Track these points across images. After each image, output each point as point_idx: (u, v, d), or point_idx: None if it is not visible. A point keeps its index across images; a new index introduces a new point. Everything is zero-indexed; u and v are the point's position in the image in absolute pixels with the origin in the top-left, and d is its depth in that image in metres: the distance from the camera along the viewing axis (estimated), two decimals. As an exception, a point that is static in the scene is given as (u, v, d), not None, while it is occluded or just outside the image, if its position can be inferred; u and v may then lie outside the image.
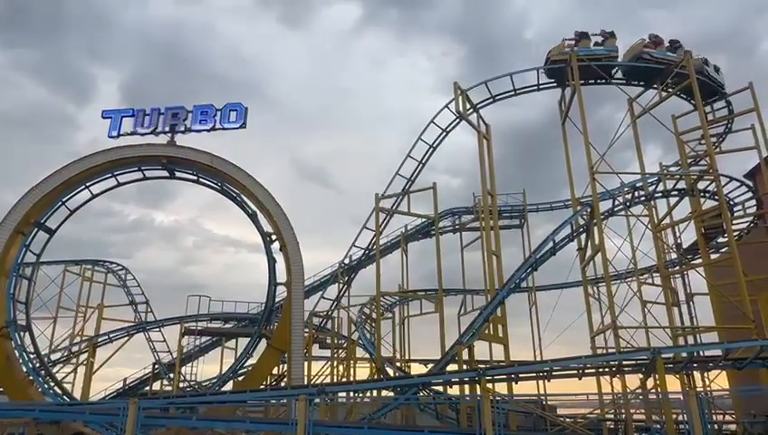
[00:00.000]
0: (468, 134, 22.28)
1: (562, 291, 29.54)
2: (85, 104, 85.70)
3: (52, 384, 21.43)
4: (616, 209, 20.80)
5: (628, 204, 20.82)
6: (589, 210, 20.05)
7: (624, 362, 15.21)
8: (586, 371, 15.36)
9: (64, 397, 21.55)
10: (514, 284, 19.09)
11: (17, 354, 19.87)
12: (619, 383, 19.68)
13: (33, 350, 21.41)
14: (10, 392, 19.24)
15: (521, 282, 19.77)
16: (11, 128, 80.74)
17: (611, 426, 20.16)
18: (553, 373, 15.17)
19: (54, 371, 25.60)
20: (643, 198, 21.34)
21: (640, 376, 15.31)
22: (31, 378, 19.85)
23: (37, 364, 21.04)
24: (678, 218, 23.26)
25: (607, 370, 15.91)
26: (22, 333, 20.57)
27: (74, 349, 30.08)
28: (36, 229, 21.32)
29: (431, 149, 24.00)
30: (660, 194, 21.92)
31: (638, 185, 21.38)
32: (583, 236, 21.06)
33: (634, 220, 22.11)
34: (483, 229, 21.84)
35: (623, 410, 18.39)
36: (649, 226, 21.81)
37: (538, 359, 25.17)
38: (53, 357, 29.25)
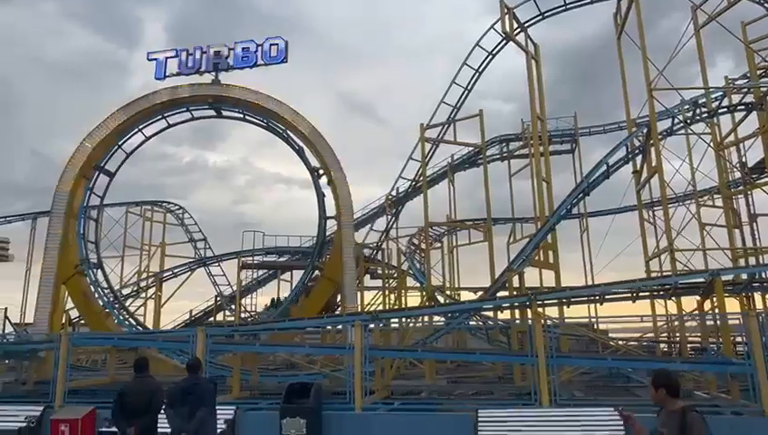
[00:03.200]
0: (521, 56, 21.24)
1: (615, 216, 28.80)
2: (135, 48, 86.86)
3: (126, 316, 23.12)
4: (675, 128, 19.68)
5: (688, 121, 19.63)
6: (645, 131, 19.09)
7: (680, 285, 14.90)
8: (640, 294, 15.18)
9: (138, 327, 23.27)
10: (566, 210, 18.71)
11: (93, 290, 21.45)
12: (673, 308, 19.43)
13: (106, 285, 23.01)
14: (90, 324, 20.98)
15: (572, 208, 19.36)
16: (66, 77, 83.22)
17: (665, 349, 20.12)
18: (606, 297, 15.07)
19: (126, 304, 27.56)
20: (705, 115, 20.03)
21: (697, 298, 14.99)
22: (107, 311, 21.48)
23: (111, 298, 22.66)
24: (744, 135, 21.86)
25: (662, 293, 15.67)
26: (95, 271, 22.09)
27: (142, 284, 32.12)
28: (98, 173, 22.36)
29: (477, 74, 23.19)
30: (725, 109, 20.50)
31: (700, 101, 20.04)
32: (639, 159, 20.21)
33: (694, 139, 20.94)
34: (532, 156, 21.27)
35: (677, 334, 18.25)
36: (712, 144, 20.62)
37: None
38: (124, 292, 31.38)
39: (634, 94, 21.21)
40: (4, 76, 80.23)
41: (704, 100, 20.04)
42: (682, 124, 19.63)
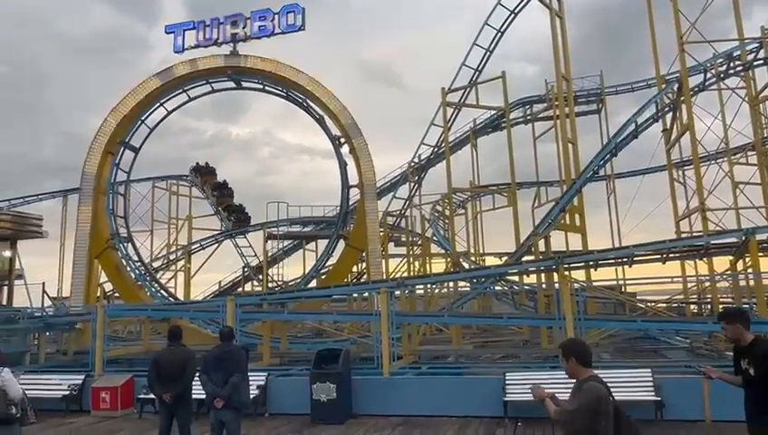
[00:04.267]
0: (545, 15, 20.46)
1: (644, 178, 28.16)
2: (153, 23, 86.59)
3: (158, 288, 23.70)
4: (707, 83, 18.91)
5: (722, 76, 18.84)
6: (676, 87, 18.41)
7: (712, 245, 14.56)
8: (670, 255, 14.90)
9: (170, 299, 23.86)
10: (592, 171, 18.34)
11: (124, 263, 22.00)
12: (704, 269, 19.06)
13: (137, 259, 23.53)
14: (124, 296, 21.60)
15: (599, 169, 18.94)
16: (88, 55, 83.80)
17: (695, 310, 19.85)
18: (635, 259, 14.83)
19: (157, 277, 28.24)
20: (740, 68, 19.19)
21: (730, 258, 14.66)
22: (139, 283, 22.05)
23: (143, 271, 23.22)
24: (781, 88, 20.94)
25: (693, 253, 15.35)
26: (126, 245, 22.60)
27: (172, 257, 32.83)
28: (123, 149, 22.62)
29: (499, 34, 22.58)
30: (761, 62, 19.58)
31: (734, 54, 19.17)
32: (669, 117, 19.58)
33: (728, 94, 20.15)
34: (557, 118, 20.78)
35: (708, 295, 17.95)
36: (746, 99, 19.81)
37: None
38: (155, 265, 32.09)
39: (664, 50, 20.40)
40: (30, 56, 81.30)
41: (738, 52, 19.17)
42: (715, 79, 18.89)
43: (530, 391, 3.83)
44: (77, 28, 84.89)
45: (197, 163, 34.87)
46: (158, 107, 23.06)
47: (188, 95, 23.32)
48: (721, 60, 18.79)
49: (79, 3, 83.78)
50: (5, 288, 21.53)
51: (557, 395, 3.69)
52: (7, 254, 21.24)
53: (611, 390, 3.58)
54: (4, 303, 20.45)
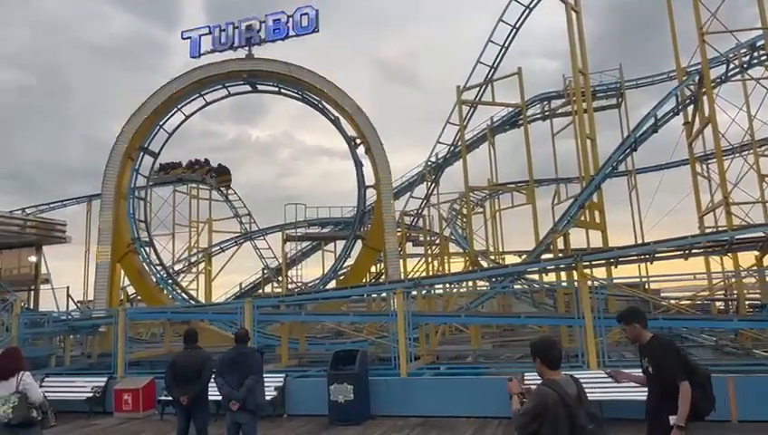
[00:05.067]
0: (563, 10, 20.03)
1: (665, 173, 27.61)
2: (174, 28, 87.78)
3: (179, 291, 24.00)
4: (730, 74, 18.45)
5: (745, 66, 18.36)
6: (697, 78, 17.99)
7: (737, 240, 14.19)
8: (693, 251, 14.56)
9: (191, 301, 24.15)
10: (611, 167, 18.01)
11: (146, 267, 22.33)
12: (729, 265, 18.59)
13: (158, 262, 23.87)
14: (145, 299, 21.93)
15: (618, 165, 18.60)
16: (106, 59, 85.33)
17: (721, 307, 19.38)
18: (656, 256, 14.52)
19: (179, 279, 28.60)
20: (764, 58, 18.68)
21: (756, 253, 14.27)
22: (161, 286, 22.36)
23: (164, 274, 23.54)
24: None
25: (717, 249, 14.98)
26: (147, 249, 22.95)
27: (193, 260, 33.22)
28: (142, 154, 22.97)
29: (514, 30, 22.29)
30: (787, 50, 19.01)
31: (758, 44, 18.66)
32: (690, 109, 19.13)
33: (752, 85, 19.61)
34: (575, 113, 20.48)
35: (734, 290, 17.51)
36: (771, 89, 19.25)
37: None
38: (176, 268, 32.52)
39: (684, 42, 19.94)
40: (52, 61, 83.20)
41: (762, 42, 18.65)
42: (738, 69, 18.41)
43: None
44: (98, 33, 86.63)
45: (160, 163, 34.37)
46: (176, 112, 23.38)
47: (205, 99, 23.61)
48: (744, 50, 18.30)
49: (99, 9, 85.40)
50: (32, 292, 22.01)
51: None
52: (33, 259, 21.71)
53: (631, 388, 3.41)
54: (31, 307, 20.88)
